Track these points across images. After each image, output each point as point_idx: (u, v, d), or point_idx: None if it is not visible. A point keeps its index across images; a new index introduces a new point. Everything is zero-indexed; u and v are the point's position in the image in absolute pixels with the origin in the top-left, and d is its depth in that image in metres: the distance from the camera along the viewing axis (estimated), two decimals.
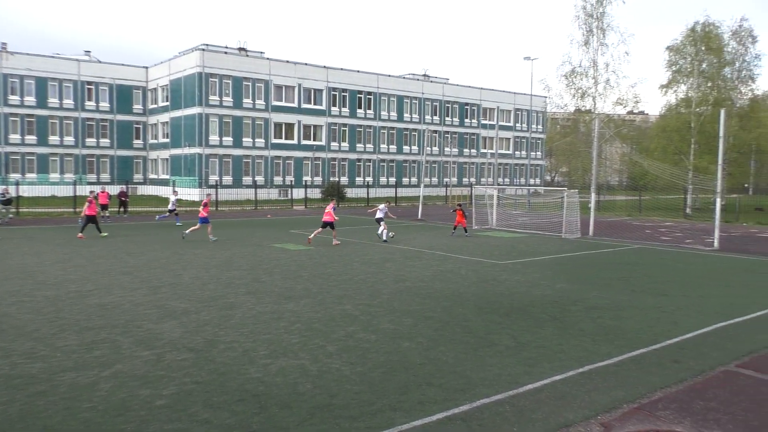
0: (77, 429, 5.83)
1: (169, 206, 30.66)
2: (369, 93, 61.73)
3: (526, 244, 22.64)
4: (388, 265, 16.59)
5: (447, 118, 68.61)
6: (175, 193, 32.16)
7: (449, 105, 68.75)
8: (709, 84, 43.41)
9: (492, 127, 69.03)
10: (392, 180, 62.28)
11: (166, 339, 8.98)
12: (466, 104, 70.32)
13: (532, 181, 76.47)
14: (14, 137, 53.41)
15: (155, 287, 13.04)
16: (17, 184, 37.50)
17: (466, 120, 70.41)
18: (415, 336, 9.30)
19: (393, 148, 64.39)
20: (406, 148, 65.45)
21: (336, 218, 21.67)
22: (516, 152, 75.45)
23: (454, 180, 67.65)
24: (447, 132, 68.58)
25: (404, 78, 66.45)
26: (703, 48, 43.32)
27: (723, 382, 7.50)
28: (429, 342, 8.99)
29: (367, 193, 51.70)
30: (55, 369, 7.54)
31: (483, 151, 71.76)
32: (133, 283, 13.48)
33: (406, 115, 65.09)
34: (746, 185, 67.09)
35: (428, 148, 64.57)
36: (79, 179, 49.81)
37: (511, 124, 74.77)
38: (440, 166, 68.38)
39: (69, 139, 55.87)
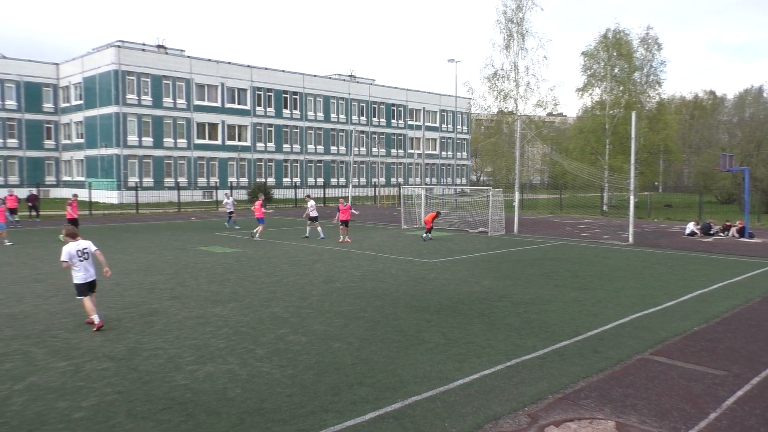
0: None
1: (228, 209, 29.40)
2: (295, 93, 61.15)
3: (454, 242, 23.07)
4: (317, 266, 16.48)
5: (374, 119, 69.00)
6: (227, 195, 31.14)
7: (376, 106, 69.15)
8: (621, 88, 45.72)
9: (419, 127, 70.08)
10: (320, 180, 61.99)
11: (84, 348, 8.54)
12: (393, 105, 70.96)
13: (458, 181, 78.08)
14: None
15: (71, 294, 12.36)
16: None
17: (393, 121, 71.04)
18: (347, 336, 9.28)
19: (320, 148, 64.09)
20: (333, 149, 65.29)
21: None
22: (442, 152, 76.81)
23: (383, 180, 68.12)
24: (374, 132, 68.96)
25: (330, 78, 66.27)
26: (614, 54, 45.65)
27: (639, 369, 7.91)
28: (360, 342, 8.99)
29: (295, 193, 51.19)
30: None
31: (410, 151, 72.67)
32: (47, 291, 12.75)
33: (333, 116, 64.94)
34: (656, 183, 71.20)
35: (356, 149, 64.76)
36: None
37: (437, 125, 76.07)
38: (368, 167, 68.65)
39: None
